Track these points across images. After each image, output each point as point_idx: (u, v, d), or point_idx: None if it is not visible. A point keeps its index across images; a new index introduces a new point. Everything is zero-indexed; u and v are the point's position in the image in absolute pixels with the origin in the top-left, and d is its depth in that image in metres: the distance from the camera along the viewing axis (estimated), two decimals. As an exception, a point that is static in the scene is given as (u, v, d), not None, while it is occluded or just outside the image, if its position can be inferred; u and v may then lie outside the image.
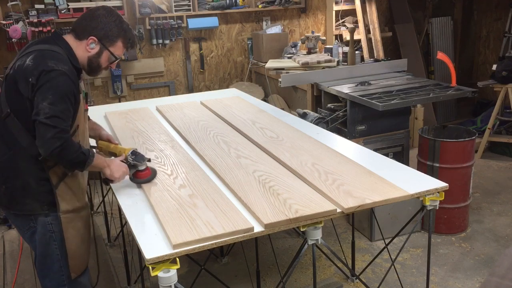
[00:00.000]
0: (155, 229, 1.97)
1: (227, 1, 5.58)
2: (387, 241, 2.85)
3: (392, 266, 2.61)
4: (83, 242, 2.27)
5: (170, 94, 5.60)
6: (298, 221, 1.99)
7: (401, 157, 3.96)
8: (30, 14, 4.78)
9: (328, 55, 4.86)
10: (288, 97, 5.17)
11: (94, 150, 2.44)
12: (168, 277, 1.78)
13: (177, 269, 1.81)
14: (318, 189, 2.22)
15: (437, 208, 2.27)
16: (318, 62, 4.64)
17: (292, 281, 3.28)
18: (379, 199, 2.12)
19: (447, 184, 2.26)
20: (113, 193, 2.37)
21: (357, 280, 3.21)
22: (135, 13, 5.22)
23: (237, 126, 3.16)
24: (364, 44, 5.66)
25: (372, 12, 5.69)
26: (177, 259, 1.82)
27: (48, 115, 1.95)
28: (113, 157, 2.42)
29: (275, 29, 5.67)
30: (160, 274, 1.78)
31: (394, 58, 5.10)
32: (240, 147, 2.80)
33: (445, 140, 3.68)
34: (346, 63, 4.69)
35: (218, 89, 5.61)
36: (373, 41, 5.66)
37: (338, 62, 4.71)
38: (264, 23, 5.89)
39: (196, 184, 2.32)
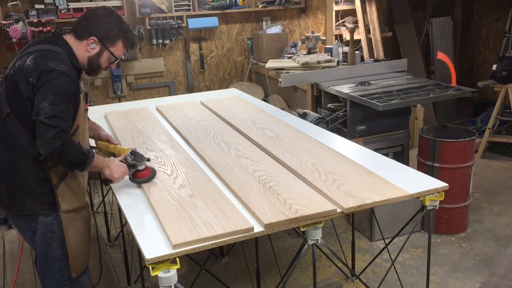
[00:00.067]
0: (155, 229, 1.97)
1: (227, 1, 5.58)
2: (387, 241, 2.85)
3: (392, 266, 2.61)
4: (84, 241, 2.27)
5: (170, 94, 5.60)
6: (298, 221, 2.00)
7: (401, 157, 3.96)
8: (30, 14, 4.78)
9: (328, 55, 4.86)
10: (288, 97, 5.17)
11: (94, 150, 2.44)
12: (168, 277, 1.78)
13: (177, 269, 1.82)
14: (318, 189, 2.22)
15: (437, 208, 2.27)
16: (318, 62, 4.64)
17: (292, 281, 3.28)
18: (379, 199, 2.12)
19: (447, 184, 2.26)
20: (113, 193, 2.37)
21: (357, 280, 3.21)
22: (135, 13, 5.22)
23: (237, 126, 3.17)
24: (364, 44, 5.66)
25: (372, 12, 5.69)
26: (177, 259, 1.82)
27: (49, 115, 1.95)
28: (112, 157, 2.42)
29: (275, 29, 5.67)
30: (160, 274, 1.78)
31: (394, 58, 5.10)
32: (240, 147, 2.80)
33: (445, 140, 3.68)
34: (346, 63, 4.69)
35: (218, 89, 5.61)
36: (373, 41, 5.66)
37: (338, 62, 4.71)
38: (264, 23, 5.89)
39: (196, 184, 2.33)
